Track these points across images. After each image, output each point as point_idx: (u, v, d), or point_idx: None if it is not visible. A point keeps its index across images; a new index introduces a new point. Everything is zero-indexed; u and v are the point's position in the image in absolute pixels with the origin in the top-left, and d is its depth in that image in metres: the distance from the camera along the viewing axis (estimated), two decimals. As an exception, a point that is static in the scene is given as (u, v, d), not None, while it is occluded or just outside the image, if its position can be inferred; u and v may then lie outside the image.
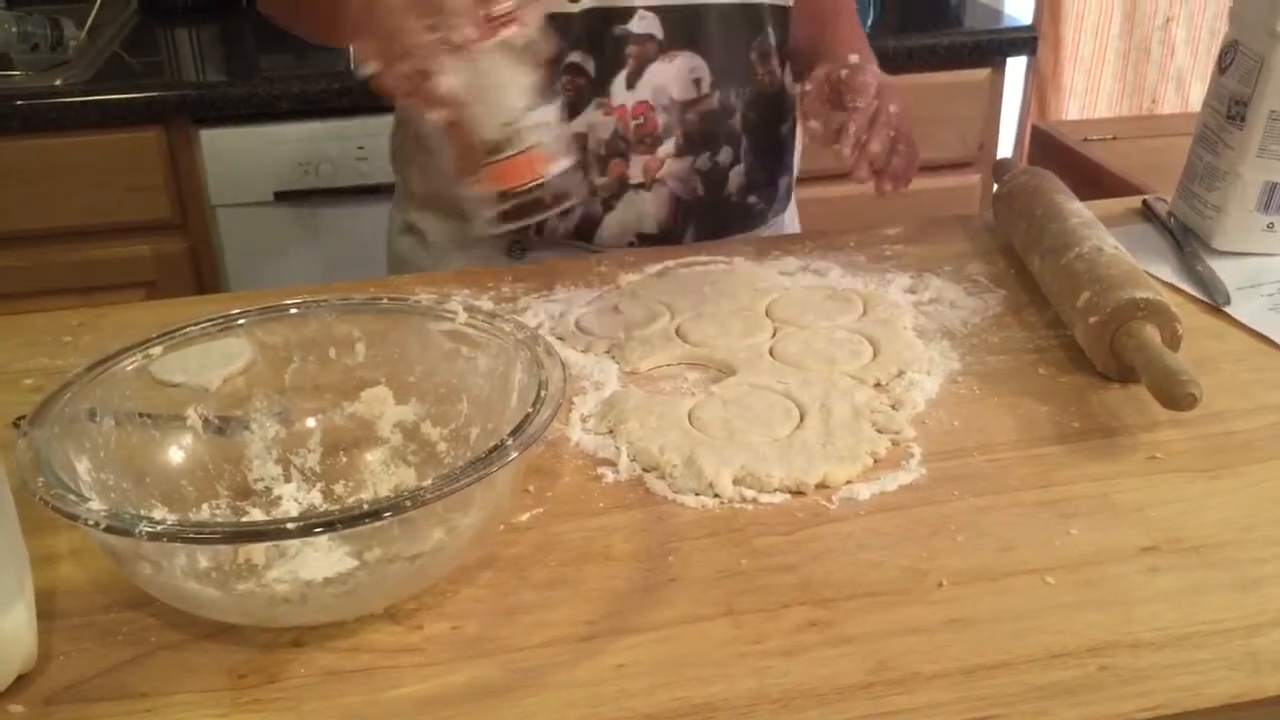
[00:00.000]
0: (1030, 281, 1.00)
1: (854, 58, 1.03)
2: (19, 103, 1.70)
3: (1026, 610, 0.64)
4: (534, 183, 0.76)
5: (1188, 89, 2.65)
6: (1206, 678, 0.59)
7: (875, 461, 0.77)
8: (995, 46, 2.01)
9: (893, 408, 0.83)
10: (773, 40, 1.17)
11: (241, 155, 1.74)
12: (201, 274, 1.83)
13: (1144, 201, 1.16)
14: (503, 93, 0.75)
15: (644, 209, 1.15)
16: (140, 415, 0.71)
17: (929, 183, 2.01)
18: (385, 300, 0.80)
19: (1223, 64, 1.05)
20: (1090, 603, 0.64)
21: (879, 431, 0.79)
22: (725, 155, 1.16)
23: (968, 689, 0.59)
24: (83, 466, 0.65)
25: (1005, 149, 2.43)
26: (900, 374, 0.87)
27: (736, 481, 0.75)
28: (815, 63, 1.13)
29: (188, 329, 0.75)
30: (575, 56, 1.09)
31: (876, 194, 1.02)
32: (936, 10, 2.17)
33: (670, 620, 0.64)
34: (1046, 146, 2.17)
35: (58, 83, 1.74)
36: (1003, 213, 1.08)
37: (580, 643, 0.62)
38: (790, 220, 1.31)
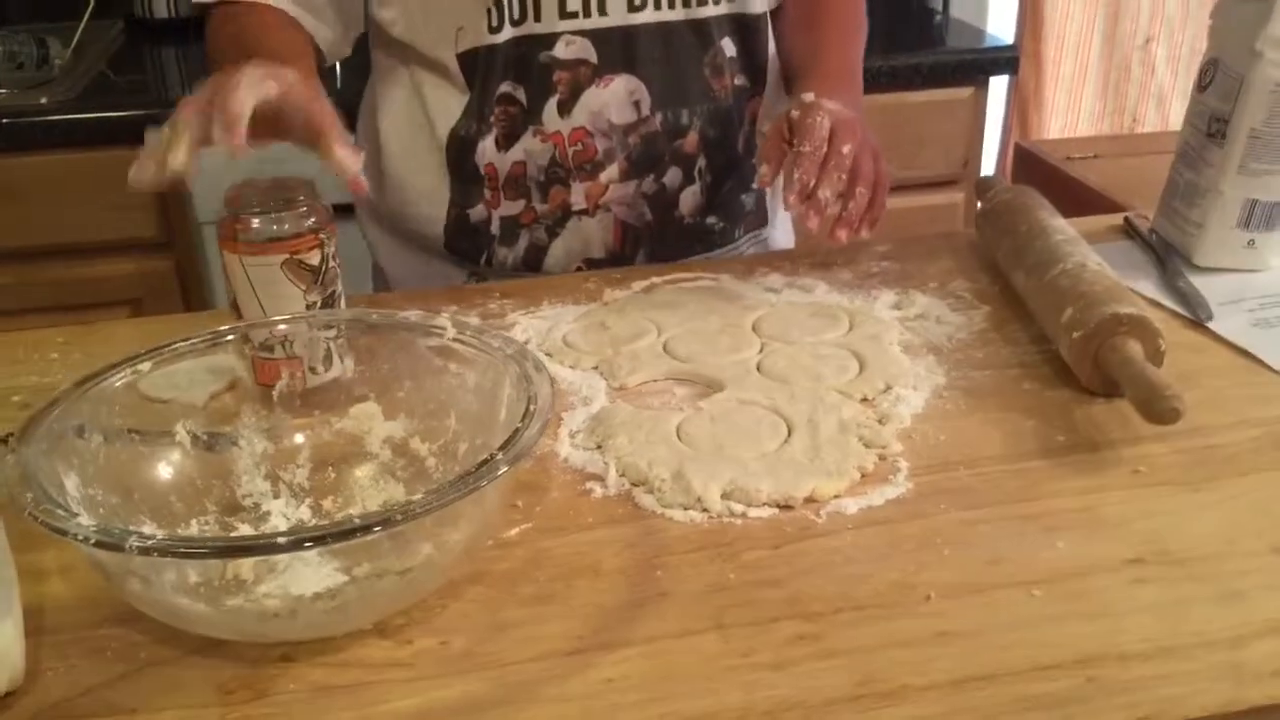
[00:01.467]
0: (1014, 297, 1.01)
1: (808, 95, 0.98)
2: (4, 121, 1.71)
3: (1013, 622, 0.64)
4: (289, 384, 0.79)
5: (1168, 108, 2.67)
6: (1192, 689, 0.59)
7: (862, 476, 0.77)
8: (978, 65, 2.02)
9: (879, 422, 0.83)
10: (730, 52, 1.14)
11: (228, 173, 1.74)
12: (188, 292, 1.83)
13: (1126, 218, 1.17)
14: (279, 303, 0.85)
15: (590, 235, 1.14)
16: (129, 431, 0.71)
17: (914, 200, 2.03)
18: (374, 316, 0.80)
19: (1203, 82, 1.06)
20: (1076, 615, 0.65)
21: (866, 446, 0.80)
22: (673, 177, 1.14)
23: (956, 701, 0.59)
24: (71, 483, 0.65)
25: (988, 167, 2.45)
26: (887, 389, 0.87)
27: (724, 496, 0.75)
28: (791, 86, 1.11)
29: (176, 345, 0.75)
30: (505, 86, 1.08)
31: (831, 243, 0.96)
32: (920, 30, 2.19)
33: (659, 634, 0.64)
34: (1029, 164, 2.18)
35: (43, 101, 1.75)
36: (987, 230, 1.09)
37: (569, 657, 0.63)
38: (783, 236, 1.30)
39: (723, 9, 1.12)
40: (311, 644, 0.63)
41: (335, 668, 0.62)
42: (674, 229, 1.16)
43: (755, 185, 1.02)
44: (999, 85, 2.46)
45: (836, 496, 0.75)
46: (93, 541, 0.56)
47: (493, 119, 1.09)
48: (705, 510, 0.74)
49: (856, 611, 0.65)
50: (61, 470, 0.65)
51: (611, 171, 1.12)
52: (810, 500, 0.75)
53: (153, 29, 2.13)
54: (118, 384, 0.72)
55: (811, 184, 0.93)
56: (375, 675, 0.62)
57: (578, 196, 1.12)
